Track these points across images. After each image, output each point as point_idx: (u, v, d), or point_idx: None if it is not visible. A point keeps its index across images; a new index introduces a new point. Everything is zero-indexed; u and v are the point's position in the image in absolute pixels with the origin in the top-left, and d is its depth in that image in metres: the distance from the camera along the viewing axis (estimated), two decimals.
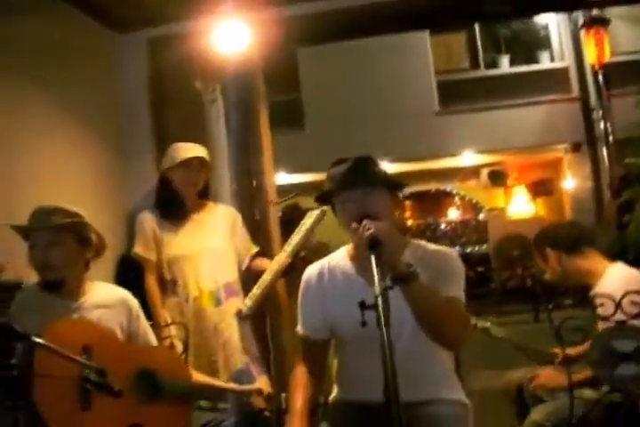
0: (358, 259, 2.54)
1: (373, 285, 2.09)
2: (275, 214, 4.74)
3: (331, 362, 2.73)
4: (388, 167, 10.03)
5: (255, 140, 4.66)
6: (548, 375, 3.27)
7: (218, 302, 3.69)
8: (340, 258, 2.62)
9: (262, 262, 3.91)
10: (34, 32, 3.45)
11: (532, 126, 10.76)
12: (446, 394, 2.53)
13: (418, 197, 12.98)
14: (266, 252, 4.25)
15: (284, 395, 2.95)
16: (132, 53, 4.31)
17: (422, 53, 11.27)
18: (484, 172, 11.76)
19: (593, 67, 9.37)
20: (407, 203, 13.12)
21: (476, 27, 11.63)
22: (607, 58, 8.90)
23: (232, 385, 3.25)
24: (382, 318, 2.01)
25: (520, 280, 10.67)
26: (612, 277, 3.16)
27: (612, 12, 9.13)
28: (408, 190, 12.46)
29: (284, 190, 8.81)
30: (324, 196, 2.54)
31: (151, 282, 3.72)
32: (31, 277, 2.84)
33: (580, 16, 9.52)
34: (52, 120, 3.55)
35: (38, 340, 1.97)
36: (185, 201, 3.80)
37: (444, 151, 10.99)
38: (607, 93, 9.14)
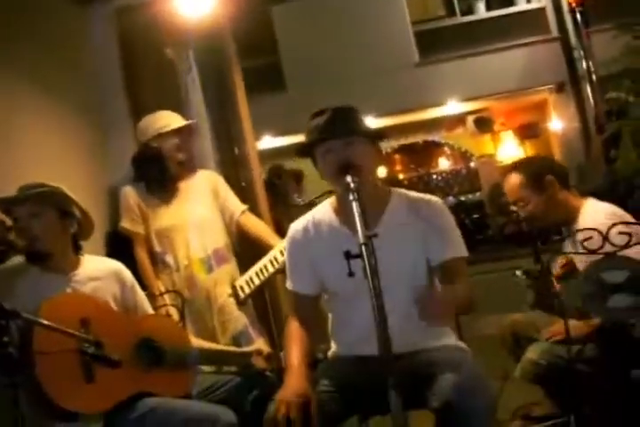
0: (342, 211, 2.54)
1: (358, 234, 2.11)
2: (260, 181, 4.74)
3: (326, 318, 2.76)
4: (374, 122, 9.99)
5: (232, 107, 4.63)
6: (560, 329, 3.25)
7: (209, 269, 3.72)
8: (324, 212, 2.62)
9: (254, 221, 3.94)
10: None
11: (513, 70, 10.68)
12: (445, 341, 2.56)
13: (407, 150, 12.93)
14: None
15: (282, 353, 2.99)
16: (101, 25, 4.24)
17: (397, 5, 11.14)
18: (470, 119, 11.69)
19: (570, 5, 9.27)
20: (397, 156, 13.09)
21: None
22: None
23: (231, 348, 3.28)
24: (368, 266, 2.04)
25: (516, 225, 10.72)
26: (592, 212, 3.17)
27: None
28: (396, 144, 12.44)
29: (270, 154, 8.83)
30: (304, 148, 2.53)
31: (141, 254, 3.73)
32: None
33: None
34: (26, 98, 3.50)
35: (28, 316, 1.98)
36: (169, 172, 3.79)
37: (428, 102, 10.92)
38: (586, 31, 9.06)
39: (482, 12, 11.64)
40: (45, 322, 1.99)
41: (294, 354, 2.47)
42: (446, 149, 13.17)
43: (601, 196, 3.41)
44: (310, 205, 4.82)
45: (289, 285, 2.66)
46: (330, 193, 2.72)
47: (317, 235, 2.58)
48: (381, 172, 13.24)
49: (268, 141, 10.02)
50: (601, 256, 2.71)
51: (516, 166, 3.42)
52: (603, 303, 2.74)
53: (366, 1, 10.50)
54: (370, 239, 2.07)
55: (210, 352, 3.03)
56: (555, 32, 10.96)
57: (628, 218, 3.11)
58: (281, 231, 3.75)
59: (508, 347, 3.47)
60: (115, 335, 2.59)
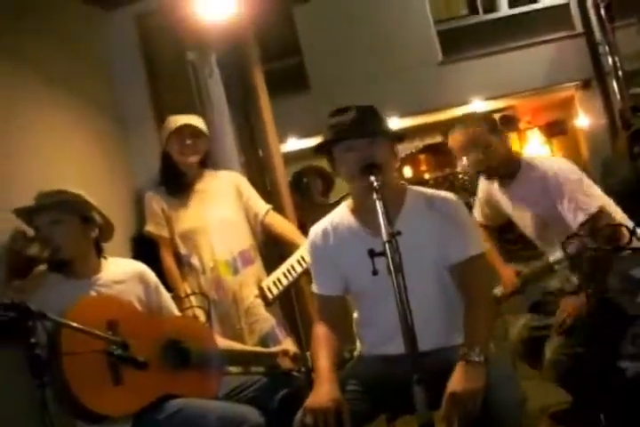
0: (360, 211, 2.55)
1: (379, 234, 2.11)
2: (285, 183, 4.74)
3: (351, 318, 2.76)
4: (398, 122, 9.98)
5: (255, 109, 4.63)
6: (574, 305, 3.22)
7: (235, 271, 3.71)
8: (342, 214, 2.62)
9: (279, 221, 3.95)
10: (22, 14, 3.42)
11: (538, 67, 10.63)
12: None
13: (432, 150, 12.90)
14: None
15: (309, 353, 2.98)
16: (123, 29, 4.26)
17: (420, 4, 11.12)
18: (495, 118, 11.64)
19: (594, 0, 9.20)
20: (422, 156, 13.07)
21: None
22: None
23: (258, 348, 3.28)
24: (392, 264, 2.03)
25: None
26: (549, 162, 3.32)
27: None
28: (421, 143, 12.42)
29: (295, 156, 8.83)
30: (324, 145, 2.53)
31: (167, 257, 3.74)
32: None
33: None
34: (50, 101, 3.53)
35: (55, 317, 2.00)
36: (186, 174, 3.80)
37: (453, 101, 10.89)
38: (611, 26, 8.98)
39: (504, 9, 11.60)
40: (71, 323, 2.00)
41: (323, 359, 2.44)
42: None
43: (625, 191, 3.38)
44: (337, 204, 4.83)
45: (314, 288, 2.65)
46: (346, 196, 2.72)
47: (337, 237, 2.58)
48: (407, 172, 13.23)
49: (294, 143, 10.04)
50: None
51: (464, 121, 3.40)
52: (633, 298, 2.73)
53: (389, 1, 10.48)
54: (394, 237, 2.07)
55: (236, 353, 3.02)
56: (579, 28, 10.88)
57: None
58: (306, 232, 3.76)
59: (521, 356, 3.44)
60: (141, 337, 2.60)
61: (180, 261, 3.76)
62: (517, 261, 3.63)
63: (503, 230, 3.74)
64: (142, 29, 4.33)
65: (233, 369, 3.26)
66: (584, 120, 11.39)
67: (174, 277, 3.69)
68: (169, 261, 3.74)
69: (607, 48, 9.09)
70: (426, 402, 1.94)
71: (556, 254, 3.16)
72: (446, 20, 11.53)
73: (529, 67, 10.54)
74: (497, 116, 11.59)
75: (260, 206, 3.91)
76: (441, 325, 2.45)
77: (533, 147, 12.09)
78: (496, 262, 3.47)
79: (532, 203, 3.27)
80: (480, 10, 11.61)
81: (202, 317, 3.35)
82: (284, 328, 3.79)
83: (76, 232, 2.78)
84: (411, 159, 12.92)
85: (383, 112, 2.58)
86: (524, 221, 3.36)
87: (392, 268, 2.02)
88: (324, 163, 3.92)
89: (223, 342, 3.08)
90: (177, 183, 3.78)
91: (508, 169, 3.29)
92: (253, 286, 3.72)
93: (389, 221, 2.16)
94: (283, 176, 4.69)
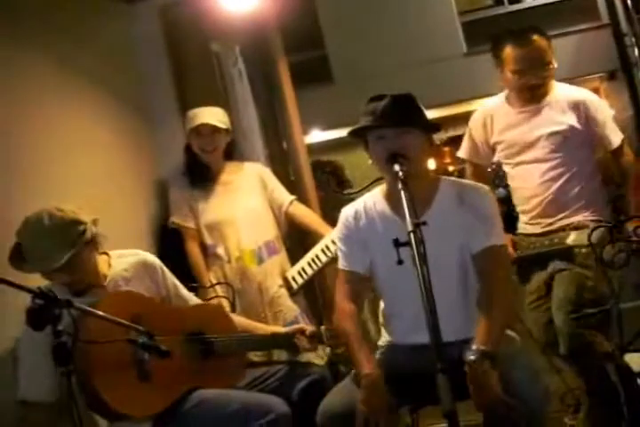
0: (392, 197, 2.55)
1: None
2: (309, 174, 4.75)
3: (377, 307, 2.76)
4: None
5: (279, 101, 4.64)
6: None
7: (260, 261, 3.74)
8: (375, 198, 2.63)
9: (303, 211, 3.97)
10: (48, 9, 3.44)
11: (564, 58, 10.43)
12: None
13: (456, 142, 12.79)
14: None
15: (323, 327, 3.00)
16: (146, 21, 4.27)
17: None
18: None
19: None
20: (446, 149, 12.99)
21: None
22: None
23: (275, 327, 3.26)
24: (416, 254, 2.04)
25: None
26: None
27: None
28: (445, 135, 12.34)
29: (319, 148, 8.83)
30: (357, 130, 2.53)
31: (192, 248, 3.77)
32: None
33: None
34: (76, 93, 3.55)
35: (81, 306, 2.02)
36: (210, 166, 3.83)
37: (477, 92, 10.73)
38: (638, 17, 8.87)
39: (529, 0, 11.49)
40: (97, 311, 2.03)
41: (363, 355, 2.43)
42: None
43: None
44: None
45: (342, 264, 2.65)
46: (378, 180, 2.72)
47: (368, 220, 2.59)
48: (431, 164, 13.17)
49: (317, 135, 10.02)
50: None
51: (536, 29, 3.40)
52: None
53: None
54: (418, 227, 2.08)
55: (256, 338, 3.01)
56: (605, 19, 10.76)
57: None
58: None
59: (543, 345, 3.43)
60: (164, 331, 2.58)
61: (205, 251, 3.79)
62: None
63: None
64: (166, 21, 4.34)
65: (255, 358, 3.29)
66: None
67: (200, 267, 3.72)
68: (194, 251, 3.77)
69: (633, 39, 9.01)
70: (450, 391, 1.95)
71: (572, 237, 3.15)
72: (471, 11, 11.43)
73: (554, 58, 10.45)
74: None
75: (285, 197, 3.93)
76: (464, 316, 2.46)
77: None
78: None
79: (556, 122, 3.30)
80: (505, 1, 11.51)
81: (227, 306, 3.36)
82: (307, 318, 3.80)
83: (87, 258, 2.68)
84: (435, 151, 12.85)
85: None
86: (537, 142, 3.34)
87: (417, 258, 2.03)
88: (348, 156, 3.95)
89: (243, 322, 3.08)
90: (201, 175, 3.81)
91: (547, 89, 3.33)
92: (278, 276, 3.74)
93: (419, 211, 2.18)
94: (307, 168, 4.69)
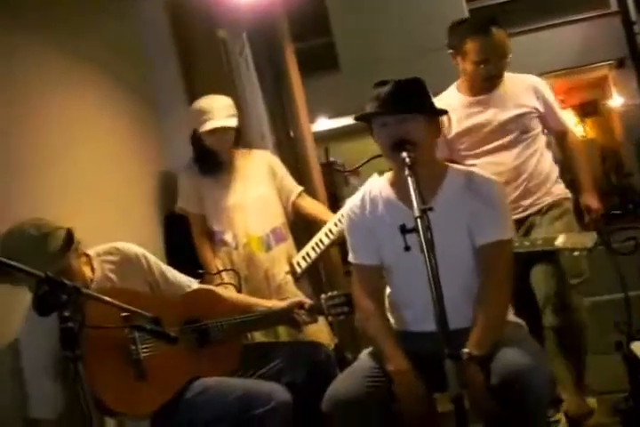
0: (398, 185, 2.53)
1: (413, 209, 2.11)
2: (316, 162, 4.75)
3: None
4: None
5: (286, 89, 4.64)
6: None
7: (268, 248, 3.74)
8: (381, 186, 2.61)
9: (310, 202, 3.97)
10: None
11: (572, 46, 10.49)
12: None
13: None
14: None
15: (323, 296, 3.01)
16: (153, 8, 4.27)
17: None
18: None
19: None
20: None
21: None
22: None
23: (272, 302, 3.21)
24: (423, 240, 2.03)
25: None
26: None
27: None
28: None
29: (325, 136, 8.83)
30: (363, 117, 2.52)
31: (198, 235, 3.78)
32: None
33: None
34: (82, 81, 3.53)
35: (89, 292, 2.02)
36: (219, 154, 3.80)
37: None
38: None
39: None
40: (104, 297, 2.02)
41: (388, 352, 2.42)
42: None
43: None
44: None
45: (352, 258, 2.63)
46: (375, 158, 2.70)
47: (373, 209, 2.58)
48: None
49: (323, 123, 10.02)
50: None
51: (494, 21, 3.44)
52: None
53: None
54: (425, 213, 2.07)
55: (254, 318, 2.96)
56: (614, 6, 10.70)
57: None
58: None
59: None
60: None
61: (212, 237, 3.79)
62: None
63: None
64: (173, 8, 4.34)
65: (263, 338, 3.29)
66: (618, 100, 11.23)
67: (206, 253, 3.73)
68: (200, 238, 3.78)
69: None
70: (458, 376, 1.95)
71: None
72: None
73: (563, 45, 10.41)
74: None
75: (293, 188, 3.93)
76: (470, 304, 2.44)
77: None
78: None
79: (519, 105, 3.42)
80: None
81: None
82: None
83: (76, 265, 2.63)
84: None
85: None
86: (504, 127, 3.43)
87: (424, 244, 2.03)
88: (357, 143, 3.93)
89: (242, 300, 3.09)
90: (210, 164, 3.79)
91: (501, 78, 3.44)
92: (285, 263, 3.74)
93: (425, 197, 2.16)
94: (313, 156, 4.70)
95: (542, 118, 3.49)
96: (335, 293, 3.04)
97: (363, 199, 2.61)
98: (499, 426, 2.30)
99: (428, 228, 2.05)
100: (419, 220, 2.05)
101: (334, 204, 4.66)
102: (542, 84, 3.52)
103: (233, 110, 3.79)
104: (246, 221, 3.75)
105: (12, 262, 1.80)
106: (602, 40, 10.47)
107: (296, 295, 3.69)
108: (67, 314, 1.74)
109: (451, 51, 3.46)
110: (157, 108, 4.25)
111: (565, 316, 3.30)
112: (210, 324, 2.81)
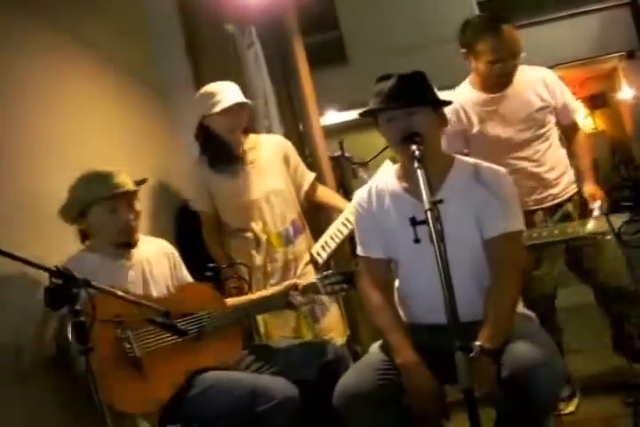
0: (406, 178, 2.54)
1: (422, 201, 2.10)
2: (325, 155, 4.74)
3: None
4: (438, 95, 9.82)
5: (295, 82, 4.64)
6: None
7: (288, 242, 3.67)
8: (388, 179, 2.62)
9: (323, 189, 3.94)
10: None
11: (582, 38, 10.41)
12: None
13: None
14: None
15: (317, 276, 3.06)
16: (161, 1, 4.28)
17: None
18: None
19: None
20: None
21: None
22: None
23: (266, 292, 3.19)
24: (433, 232, 2.03)
25: None
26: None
27: None
28: None
29: (335, 129, 8.80)
30: (367, 113, 2.52)
31: (207, 232, 3.71)
32: None
33: None
34: (91, 72, 3.54)
35: (99, 285, 2.03)
36: (231, 146, 3.67)
37: None
38: None
39: None
40: (117, 291, 2.03)
41: (396, 344, 2.43)
42: None
43: None
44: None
45: (360, 251, 2.64)
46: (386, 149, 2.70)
47: (380, 202, 2.58)
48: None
49: (332, 116, 9.99)
50: None
51: (504, 19, 3.46)
52: None
53: None
54: (435, 205, 2.07)
55: (246, 306, 2.98)
56: None
57: None
58: None
59: None
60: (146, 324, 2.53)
61: (232, 234, 3.70)
62: None
63: None
64: (182, 0, 4.33)
65: (284, 334, 3.32)
66: (628, 92, 11.16)
67: (216, 252, 3.66)
68: (210, 236, 3.71)
69: None
70: (468, 368, 1.95)
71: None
72: None
73: (572, 37, 10.33)
74: None
75: (306, 174, 3.86)
76: (480, 297, 2.44)
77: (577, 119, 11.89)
78: None
79: (536, 99, 3.46)
80: None
81: (244, 286, 3.35)
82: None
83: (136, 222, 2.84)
84: None
85: None
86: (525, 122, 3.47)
87: (434, 236, 2.02)
88: (366, 137, 3.93)
89: (236, 302, 3.07)
90: (220, 154, 3.66)
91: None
92: (305, 255, 3.68)
93: (432, 189, 2.16)
94: (323, 149, 4.70)
95: (553, 111, 3.52)
96: (330, 272, 3.06)
97: (369, 193, 2.62)
98: (509, 419, 2.30)
99: (437, 220, 2.05)
100: (429, 212, 2.05)
101: (343, 196, 4.63)
102: (553, 77, 3.55)
103: (241, 93, 3.68)
104: (264, 218, 3.65)
105: (24, 257, 1.80)
106: (612, 31, 10.39)
107: None
108: (78, 308, 1.75)
109: (463, 50, 3.46)
110: (167, 99, 4.25)
111: None
112: (202, 315, 2.80)
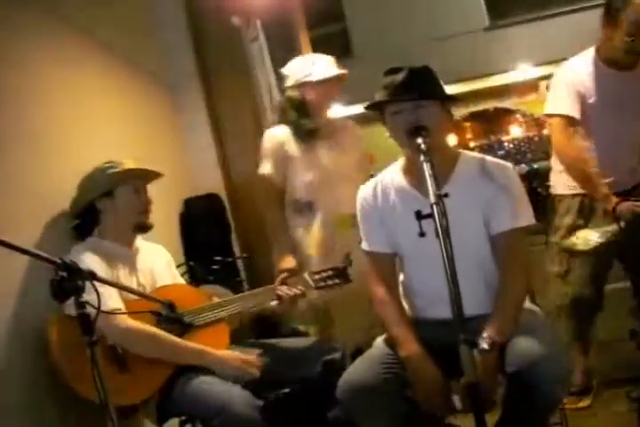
0: (411, 172, 2.53)
1: (428, 196, 2.09)
2: None
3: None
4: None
5: None
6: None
7: (355, 224, 3.45)
8: (393, 173, 2.61)
9: None
10: None
11: (588, 32, 10.30)
12: None
13: (477, 117, 12.76)
14: None
15: (306, 272, 3.03)
16: None
17: None
18: (543, 85, 11.47)
19: None
20: (467, 124, 12.93)
21: None
22: None
23: (257, 290, 3.09)
24: (439, 226, 2.03)
25: None
26: None
27: None
28: (466, 111, 12.27)
29: None
30: (374, 105, 2.50)
31: (266, 199, 3.52)
32: None
33: None
34: (99, 66, 3.53)
35: (104, 277, 2.03)
36: (318, 116, 3.51)
37: (499, 67, 10.75)
38: None
39: None
40: (122, 284, 2.03)
41: (400, 337, 2.42)
42: (518, 115, 12.93)
43: None
44: None
45: (365, 246, 2.63)
46: None
47: (386, 197, 2.58)
48: (452, 139, 13.13)
49: (337, 110, 9.99)
50: None
51: None
52: None
53: None
54: (441, 199, 2.07)
55: (231, 300, 2.92)
56: None
57: None
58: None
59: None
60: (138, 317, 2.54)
61: (300, 210, 3.50)
62: None
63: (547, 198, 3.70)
64: None
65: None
66: None
67: (275, 220, 3.49)
68: (269, 203, 3.52)
69: None
70: (473, 362, 1.95)
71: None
72: None
73: (578, 32, 10.22)
74: (544, 82, 11.46)
75: (366, 161, 3.70)
76: (484, 291, 2.45)
77: None
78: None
79: None
80: None
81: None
82: None
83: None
84: (456, 127, 12.81)
85: None
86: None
87: (440, 230, 2.02)
88: (371, 132, 3.90)
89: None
90: (302, 127, 3.49)
91: None
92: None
93: (438, 183, 2.15)
94: None
95: None
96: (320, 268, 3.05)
97: (375, 188, 2.61)
98: (513, 414, 2.30)
99: (443, 214, 2.05)
100: (435, 206, 2.05)
101: None
102: None
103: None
104: (337, 198, 3.43)
105: (30, 249, 1.80)
106: None
107: None
108: (84, 299, 1.76)
109: (606, 14, 3.33)
110: (172, 93, 4.26)
111: None
112: (185, 312, 2.72)
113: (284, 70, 3.62)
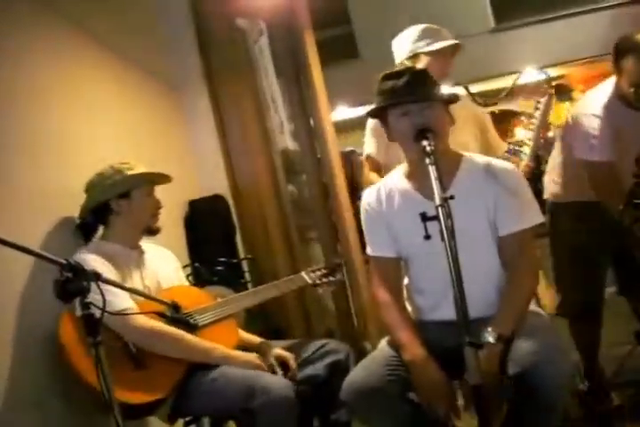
0: (415, 176, 2.54)
1: (432, 199, 2.10)
2: (336, 151, 4.73)
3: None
4: (449, 91, 9.83)
5: (306, 78, 4.62)
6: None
7: None
8: (396, 178, 2.62)
9: None
10: None
11: (594, 34, 10.35)
12: None
13: None
14: (329, 190, 4.24)
15: (304, 271, 3.04)
16: None
17: None
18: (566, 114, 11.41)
19: None
20: None
21: None
22: None
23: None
24: (444, 228, 2.03)
25: None
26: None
27: None
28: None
29: (347, 125, 8.79)
30: (378, 109, 2.51)
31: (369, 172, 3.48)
32: None
33: None
34: (104, 68, 3.54)
35: (109, 278, 2.03)
36: None
37: (504, 69, 10.70)
38: None
39: None
40: (127, 285, 2.04)
41: (403, 341, 2.42)
42: (523, 118, 12.90)
43: None
44: None
45: (370, 250, 2.65)
46: None
47: (390, 200, 2.59)
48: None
49: (343, 112, 9.99)
50: None
51: None
52: None
53: None
54: (446, 201, 2.07)
55: (241, 296, 2.97)
56: None
57: None
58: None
59: None
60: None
61: None
62: None
63: None
64: None
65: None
66: None
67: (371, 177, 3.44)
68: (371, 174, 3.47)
69: None
70: (477, 363, 1.94)
71: None
72: None
73: (584, 34, 10.29)
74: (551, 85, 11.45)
75: (499, 146, 3.73)
76: (489, 293, 2.45)
77: None
78: None
79: None
80: None
81: None
82: None
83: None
84: None
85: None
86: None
87: (445, 232, 2.02)
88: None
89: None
90: None
91: None
92: None
93: (443, 186, 2.16)
94: (333, 145, 4.68)
95: None
96: (314, 267, 3.10)
97: (379, 192, 2.62)
98: (517, 414, 2.30)
99: (449, 215, 2.05)
100: (440, 208, 2.05)
101: (353, 192, 4.62)
102: None
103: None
104: None
105: (35, 250, 1.80)
106: (625, 28, 10.20)
107: None
108: (88, 300, 1.76)
109: (613, 59, 3.29)
110: (178, 94, 4.26)
111: None
112: (192, 311, 2.75)
113: (395, 43, 3.61)
